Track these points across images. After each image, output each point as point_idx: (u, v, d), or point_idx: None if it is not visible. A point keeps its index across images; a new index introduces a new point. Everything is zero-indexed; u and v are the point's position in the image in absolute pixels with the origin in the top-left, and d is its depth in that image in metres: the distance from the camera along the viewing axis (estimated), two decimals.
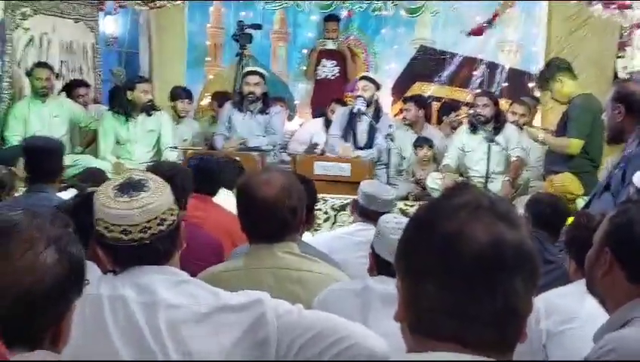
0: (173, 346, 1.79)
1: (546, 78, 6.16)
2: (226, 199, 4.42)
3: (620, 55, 6.43)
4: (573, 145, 5.96)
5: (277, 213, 2.48)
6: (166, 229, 1.89)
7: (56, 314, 1.44)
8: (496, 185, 6.37)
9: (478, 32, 8.65)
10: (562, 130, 6.16)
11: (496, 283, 1.17)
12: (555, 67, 6.15)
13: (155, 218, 1.87)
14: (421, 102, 7.82)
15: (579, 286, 2.46)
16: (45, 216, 1.48)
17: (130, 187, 1.88)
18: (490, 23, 8.61)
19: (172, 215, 1.91)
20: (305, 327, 1.83)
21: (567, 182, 5.38)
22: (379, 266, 2.63)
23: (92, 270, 2.32)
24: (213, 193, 4.20)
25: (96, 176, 4.55)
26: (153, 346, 1.79)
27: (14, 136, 6.69)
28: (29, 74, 6.88)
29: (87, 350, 1.78)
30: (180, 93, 7.64)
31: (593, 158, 6.09)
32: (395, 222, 2.62)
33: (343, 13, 8.97)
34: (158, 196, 1.88)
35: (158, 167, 3.52)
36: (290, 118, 8.76)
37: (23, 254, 1.37)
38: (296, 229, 2.63)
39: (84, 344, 1.75)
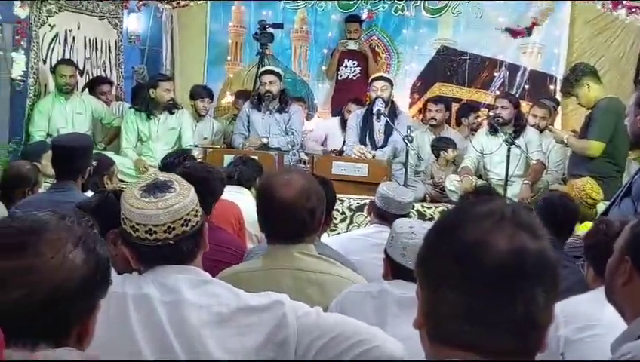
0: (195, 346, 1.83)
1: (571, 83, 6.14)
2: (245, 198, 4.47)
3: None
4: (594, 147, 5.94)
5: (296, 215, 2.50)
6: (190, 230, 1.93)
7: (82, 312, 1.46)
8: (516, 189, 6.36)
9: (517, 33, 8.60)
10: (585, 133, 6.14)
11: (517, 292, 1.18)
12: (581, 72, 6.13)
13: (180, 218, 1.91)
14: (447, 104, 7.80)
15: (598, 293, 2.45)
16: (72, 216, 1.51)
17: (156, 188, 1.92)
18: (529, 31, 8.56)
19: (196, 216, 1.95)
20: (324, 329, 1.86)
21: (587, 186, 5.34)
22: (394, 271, 2.64)
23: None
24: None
25: (102, 163, 4.57)
26: (176, 345, 1.82)
27: (39, 132, 6.77)
28: (53, 70, 6.96)
29: (111, 348, 1.80)
30: (200, 92, 7.69)
31: (617, 163, 6.05)
32: (408, 227, 2.63)
33: (364, 14, 8.95)
34: (183, 197, 1.92)
35: (191, 169, 3.56)
36: (309, 117, 8.78)
37: (54, 254, 1.40)
38: (314, 231, 2.65)
39: (107, 342, 1.77)
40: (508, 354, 1.19)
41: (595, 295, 2.64)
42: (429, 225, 1.47)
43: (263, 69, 7.38)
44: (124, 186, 4.40)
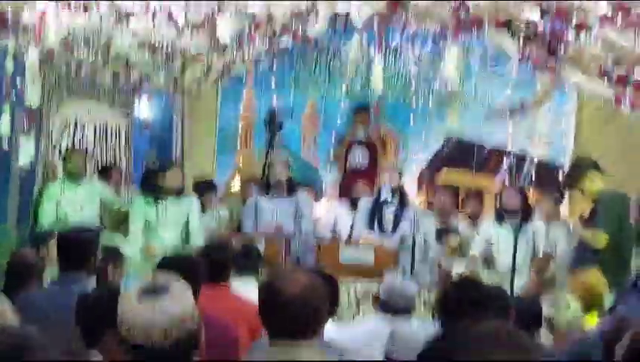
0: None
1: (574, 177, 6.16)
2: (242, 286, 4.45)
3: None
4: (599, 238, 5.91)
5: (299, 312, 2.49)
6: (186, 335, 1.91)
7: None
8: (522, 279, 6.32)
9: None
10: (590, 225, 6.13)
11: None
12: (584, 166, 6.16)
13: (176, 324, 1.89)
14: (456, 191, 7.83)
15: None
16: (60, 335, 1.50)
17: (154, 291, 1.91)
18: (512, 112, 8.63)
19: (192, 320, 1.94)
20: None
21: (593, 278, 5.31)
22: None
23: None
24: (225, 280, 4.23)
25: (111, 252, 4.58)
26: None
27: (47, 218, 6.81)
28: (63, 158, 7.05)
29: None
30: (201, 189, 7.73)
31: (622, 255, 6.03)
32: (409, 332, 2.64)
33: (373, 105, 9.07)
34: (180, 301, 1.91)
35: (171, 262, 3.57)
36: (317, 199, 8.79)
37: None
38: (318, 327, 2.63)
39: None
40: None
41: None
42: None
43: (273, 157, 7.42)
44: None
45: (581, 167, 6.21)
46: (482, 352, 1.19)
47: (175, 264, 3.37)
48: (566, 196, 7.79)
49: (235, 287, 4.39)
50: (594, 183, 6.08)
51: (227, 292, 4.19)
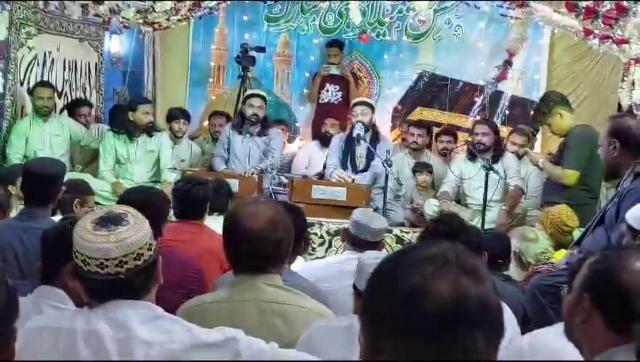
0: None
1: (543, 112, 6.16)
2: (214, 223, 4.44)
3: (622, 87, 6.43)
4: (569, 175, 5.97)
5: (261, 246, 2.48)
6: (142, 264, 1.89)
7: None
8: (494, 214, 6.35)
9: (502, 76, 8.64)
10: (559, 160, 6.16)
11: (457, 339, 1.15)
12: (552, 101, 6.15)
13: (132, 252, 1.87)
14: (428, 128, 7.83)
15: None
16: None
17: (109, 221, 1.89)
18: (508, 62, 8.59)
19: (149, 250, 1.92)
20: None
21: (563, 213, 5.35)
22: None
23: (65, 300, 2.34)
24: (201, 217, 4.21)
25: (80, 188, 4.52)
26: None
27: (15, 154, 6.73)
28: (31, 92, 6.92)
29: None
30: (176, 114, 7.68)
31: (591, 190, 6.08)
32: (374, 257, 2.61)
33: (360, 36, 8.96)
34: (136, 231, 1.88)
35: (130, 195, 3.55)
36: (291, 140, 8.78)
37: None
38: (281, 261, 2.63)
39: None
40: None
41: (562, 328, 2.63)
42: None
43: (251, 91, 7.37)
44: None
45: (549, 101, 6.19)
46: (426, 272, 1.18)
47: (135, 197, 3.33)
48: (541, 131, 7.83)
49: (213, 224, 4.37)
50: (563, 118, 6.08)
51: (200, 229, 4.16)
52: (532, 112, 6.49)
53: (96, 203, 5.77)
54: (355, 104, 7.11)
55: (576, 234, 5.10)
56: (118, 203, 3.44)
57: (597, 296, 1.93)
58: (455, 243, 1.26)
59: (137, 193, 3.57)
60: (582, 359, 2.05)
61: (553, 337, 2.69)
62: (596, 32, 5.01)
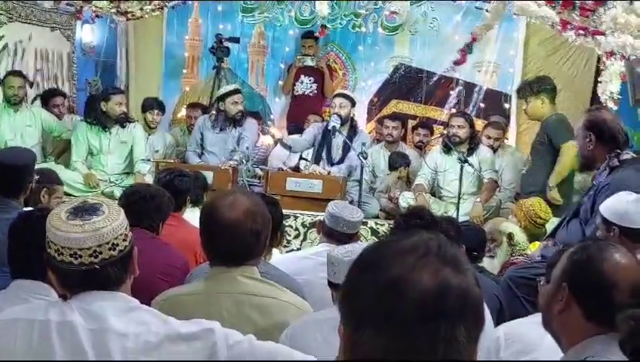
0: None
1: (532, 91, 6.11)
2: (190, 214, 4.42)
3: (599, 80, 6.47)
4: (569, 148, 5.78)
5: (238, 238, 2.46)
6: (117, 255, 1.86)
7: None
8: (468, 206, 6.37)
9: (462, 60, 8.69)
10: (538, 150, 6.15)
11: (438, 331, 1.13)
12: (546, 86, 6.11)
13: (107, 242, 1.84)
14: (403, 121, 7.82)
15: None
16: None
17: (84, 210, 1.85)
18: (469, 46, 8.63)
19: (125, 240, 1.88)
20: (255, 358, 1.81)
21: (536, 206, 5.37)
22: None
23: (50, 293, 2.29)
24: (180, 209, 4.19)
25: (48, 177, 4.45)
26: None
27: None
28: (1, 82, 6.81)
29: None
30: (150, 104, 7.61)
31: (569, 183, 6.09)
32: (345, 249, 2.64)
33: (318, 30, 8.93)
34: (111, 221, 1.85)
35: (139, 190, 3.53)
36: (264, 131, 8.74)
37: None
38: (258, 254, 2.60)
39: None
40: None
41: (539, 318, 2.64)
42: None
43: (229, 88, 7.23)
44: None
45: (542, 84, 6.13)
46: (408, 262, 1.16)
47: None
48: (512, 123, 7.86)
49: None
50: (543, 105, 6.08)
51: (178, 221, 4.14)
52: (521, 85, 6.43)
53: (68, 194, 5.72)
54: (335, 95, 7.08)
55: (550, 226, 5.12)
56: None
57: (576, 287, 1.93)
58: (436, 234, 1.25)
59: (147, 191, 3.62)
60: (559, 349, 2.05)
61: (529, 328, 2.71)
62: (574, 23, 5.02)
